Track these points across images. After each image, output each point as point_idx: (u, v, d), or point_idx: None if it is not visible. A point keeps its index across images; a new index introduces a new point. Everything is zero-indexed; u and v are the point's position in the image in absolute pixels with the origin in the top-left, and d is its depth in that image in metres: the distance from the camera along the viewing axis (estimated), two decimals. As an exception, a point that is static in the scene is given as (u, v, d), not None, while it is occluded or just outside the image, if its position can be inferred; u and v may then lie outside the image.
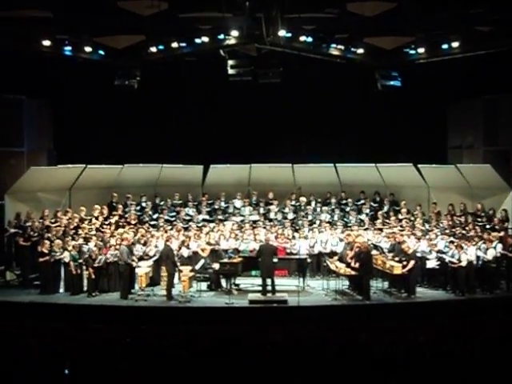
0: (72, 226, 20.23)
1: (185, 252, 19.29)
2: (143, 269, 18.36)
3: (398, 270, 17.78)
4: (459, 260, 17.99)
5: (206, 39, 20.99)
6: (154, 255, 19.06)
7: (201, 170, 24.13)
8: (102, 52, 21.52)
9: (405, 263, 17.85)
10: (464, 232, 19.93)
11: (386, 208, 22.84)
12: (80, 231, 19.93)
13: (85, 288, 18.48)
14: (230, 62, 22.20)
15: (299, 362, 6.64)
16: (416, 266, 18.06)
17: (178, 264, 18.39)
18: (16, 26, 19.48)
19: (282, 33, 20.02)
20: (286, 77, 22.45)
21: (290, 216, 22.78)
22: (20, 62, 21.16)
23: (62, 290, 18.64)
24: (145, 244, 19.51)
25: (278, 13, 18.82)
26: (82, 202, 21.75)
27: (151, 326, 14.13)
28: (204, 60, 23.02)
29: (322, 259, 20.28)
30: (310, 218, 22.61)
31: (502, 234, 19.34)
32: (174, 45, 21.29)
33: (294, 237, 21.12)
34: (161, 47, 21.49)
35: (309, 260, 20.07)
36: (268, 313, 17.03)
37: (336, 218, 22.56)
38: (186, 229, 21.13)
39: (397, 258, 18.27)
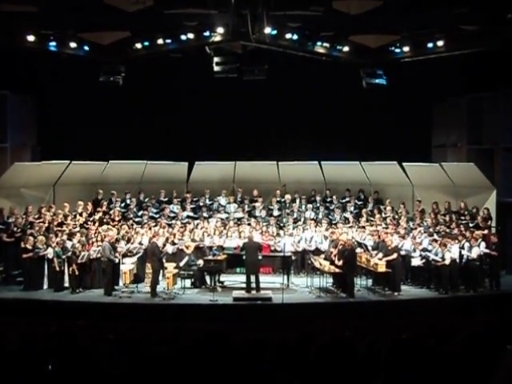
0: (56, 223, 20.17)
1: (169, 249, 19.27)
2: (127, 265, 18.34)
3: (381, 267, 17.87)
4: (443, 258, 18.10)
5: (191, 36, 20.94)
6: (138, 252, 19.02)
7: (185, 166, 24.12)
8: (87, 48, 21.41)
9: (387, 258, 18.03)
10: (448, 230, 20.03)
11: (370, 206, 22.92)
12: (64, 227, 19.87)
13: (67, 284, 18.43)
14: (216, 59, 22.15)
15: (283, 360, 6.65)
16: (398, 261, 18.18)
17: (164, 261, 18.40)
18: (0, 21, 19.34)
19: (267, 30, 20.03)
20: (271, 74, 22.42)
21: (275, 213, 22.81)
22: (4, 57, 21.01)
23: (45, 287, 18.59)
24: (129, 241, 19.48)
25: (264, 10, 18.81)
26: (66, 199, 21.69)
27: (135, 323, 14.10)
28: (189, 57, 22.93)
29: (306, 257, 20.34)
30: (294, 215, 22.67)
31: (485, 232, 19.46)
32: (160, 41, 21.25)
33: (278, 234, 21.16)
34: (146, 44, 21.42)
35: (293, 257, 20.11)
36: (252, 310, 17.06)
37: (321, 215, 22.61)
38: (170, 225, 21.10)
39: (380, 255, 18.37)
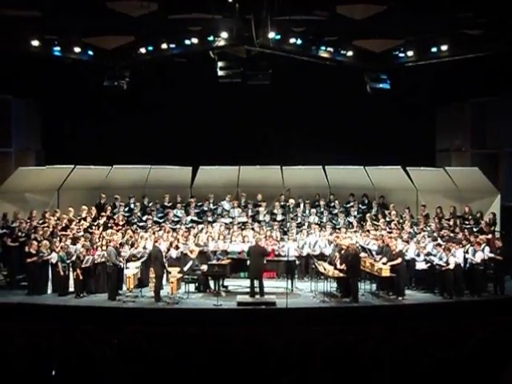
0: (60, 227, 20.19)
1: (173, 253, 19.27)
2: (131, 270, 18.35)
3: (386, 272, 17.85)
4: (447, 262, 18.06)
5: (195, 40, 20.95)
6: (142, 256, 19.01)
7: (190, 171, 24.13)
8: (91, 52, 21.43)
9: (391, 262, 18.03)
10: (452, 235, 20.00)
11: (373, 210, 22.90)
12: (68, 232, 19.90)
13: (71, 289, 18.44)
14: (220, 64, 22.15)
15: (287, 364, 6.64)
16: (402, 265, 18.16)
17: (166, 265, 18.39)
18: (4, 26, 19.35)
19: (271, 35, 20.03)
20: (275, 79, 22.44)
21: (279, 218, 22.79)
22: (8, 61, 21.06)
23: (49, 291, 18.60)
24: (132, 245, 19.49)
25: (268, 15, 18.82)
26: (71, 203, 21.72)
27: (139, 328, 14.10)
28: (193, 61, 22.99)
29: (310, 261, 20.32)
30: (298, 219, 22.65)
31: (489, 236, 19.43)
32: (164, 46, 21.24)
33: (282, 239, 21.14)
34: (150, 48, 21.43)
35: (297, 262, 20.09)
36: (256, 315, 17.04)
37: (325, 220, 22.59)
38: (174, 230, 21.10)
39: (384, 259, 18.36)
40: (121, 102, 23.40)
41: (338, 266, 18.09)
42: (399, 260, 18.10)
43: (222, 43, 20.89)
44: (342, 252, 18.31)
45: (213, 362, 6.33)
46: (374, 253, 19.28)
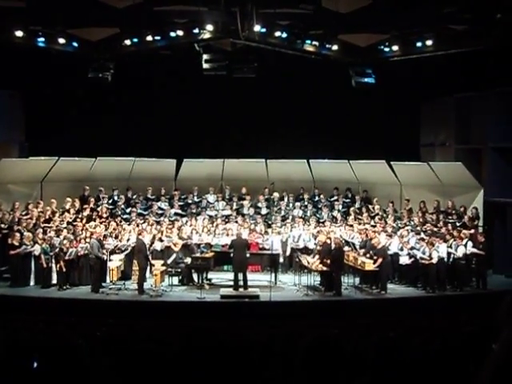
0: (43, 219, 20.10)
1: (157, 246, 19.25)
2: (115, 262, 18.31)
3: (369, 266, 17.91)
4: (430, 257, 18.14)
5: (180, 33, 20.85)
6: (126, 249, 18.98)
7: (174, 163, 24.07)
8: (75, 44, 21.27)
9: (374, 259, 18.05)
10: (435, 229, 20.08)
11: (357, 204, 22.94)
12: (51, 224, 19.81)
13: (54, 281, 18.37)
14: (205, 57, 22.10)
15: (270, 358, 6.66)
16: (385, 262, 18.21)
17: (150, 258, 18.37)
18: (-12, 16, 19.24)
19: (257, 28, 19.98)
20: (260, 72, 22.41)
21: (263, 211, 22.80)
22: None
23: (32, 283, 18.52)
24: (116, 237, 19.45)
25: (254, 8, 18.78)
26: (54, 195, 21.61)
27: (122, 320, 14.07)
28: (178, 54, 22.92)
29: (294, 255, 20.34)
30: (282, 213, 22.67)
31: (472, 231, 19.52)
32: (149, 38, 21.13)
33: (266, 232, 21.15)
34: (135, 40, 21.31)
35: (281, 257, 20.13)
36: (240, 308, 17.06)
37: (309, 213, 22.62)
38: (158, 223, 21.07)
39: (368, 255, 18.42)
40: (105, 93, 23.28)
41: (315, 260, 18.18)
42: (381, 259, 18.07)
43: (207, 36, 20.83)
44: (320, 247, 18.41)
45: (195, 355, 6.33)
46: (357, 247, 19.34)
